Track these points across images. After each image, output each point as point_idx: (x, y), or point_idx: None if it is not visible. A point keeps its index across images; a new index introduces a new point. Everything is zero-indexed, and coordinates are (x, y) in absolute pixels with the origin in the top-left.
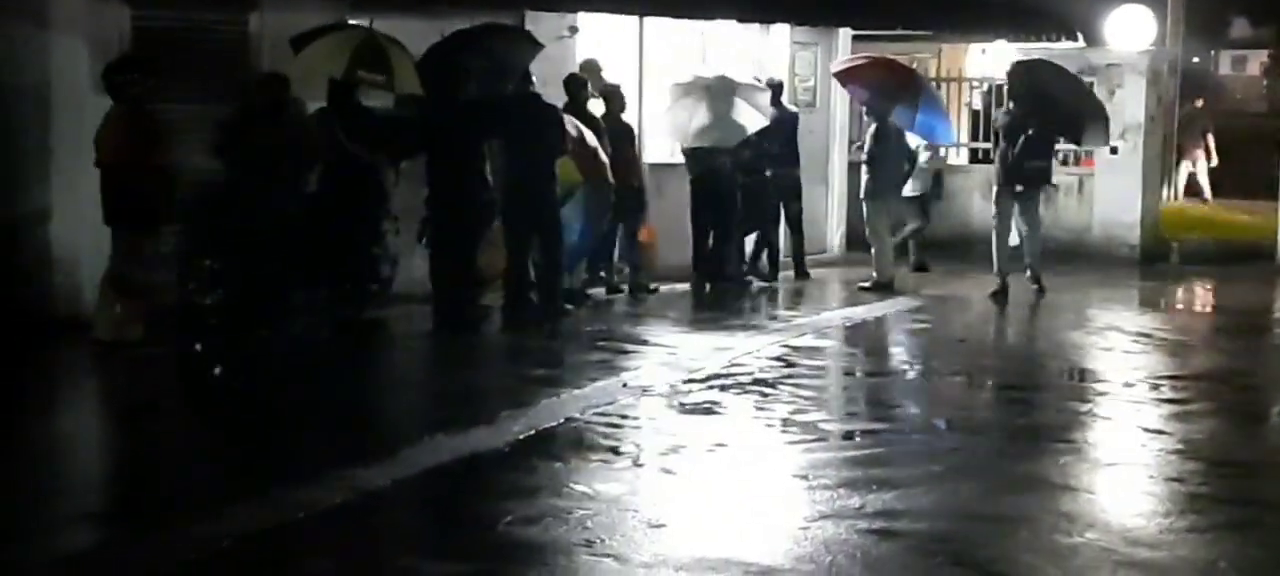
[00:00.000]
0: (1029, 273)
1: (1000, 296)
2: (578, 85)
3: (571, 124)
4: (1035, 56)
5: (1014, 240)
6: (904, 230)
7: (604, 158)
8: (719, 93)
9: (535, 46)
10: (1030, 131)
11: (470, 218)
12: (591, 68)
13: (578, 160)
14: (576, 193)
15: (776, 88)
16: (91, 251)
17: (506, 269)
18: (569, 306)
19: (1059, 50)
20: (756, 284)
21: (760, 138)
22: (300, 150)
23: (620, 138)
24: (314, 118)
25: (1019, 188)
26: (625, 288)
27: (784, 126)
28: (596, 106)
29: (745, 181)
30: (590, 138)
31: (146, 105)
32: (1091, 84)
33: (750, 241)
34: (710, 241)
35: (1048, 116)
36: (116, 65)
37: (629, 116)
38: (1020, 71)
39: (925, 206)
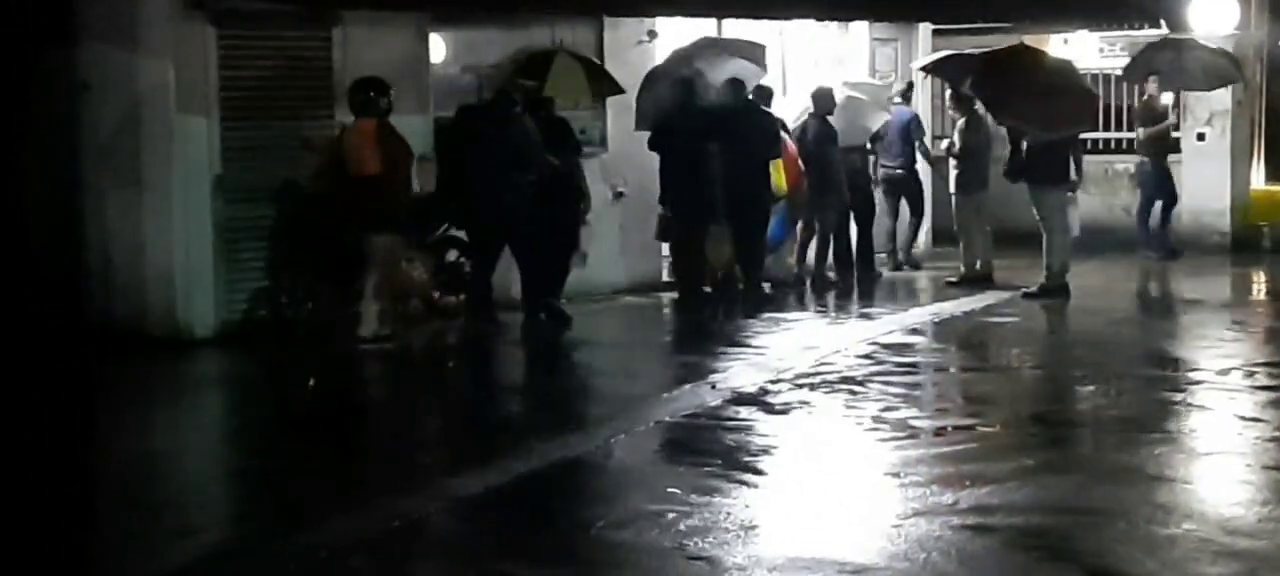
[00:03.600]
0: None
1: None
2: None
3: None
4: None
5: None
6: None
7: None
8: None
9: (761, 65)
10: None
11: (702, 215)
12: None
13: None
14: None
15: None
16: (183, 270)
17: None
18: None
19: (1143, 37)
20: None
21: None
22: (519, 154)
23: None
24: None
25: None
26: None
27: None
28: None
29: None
30: (791, 145)
31: (388, 120)
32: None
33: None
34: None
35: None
36: (361, 84)
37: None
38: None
39: None
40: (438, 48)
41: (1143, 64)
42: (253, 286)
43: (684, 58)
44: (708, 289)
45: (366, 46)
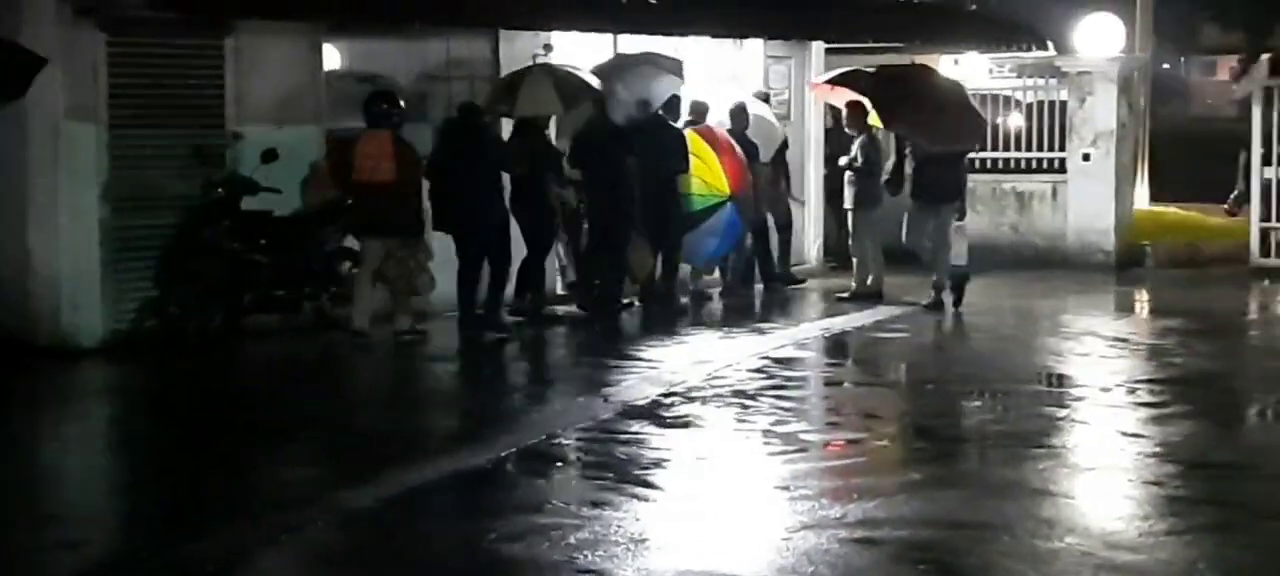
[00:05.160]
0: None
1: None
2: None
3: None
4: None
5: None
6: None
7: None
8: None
9: (677, 77)
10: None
11: (621, 228)
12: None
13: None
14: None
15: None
16: (70, 279)
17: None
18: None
19: (1030, 59)
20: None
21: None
22: (491, 167)
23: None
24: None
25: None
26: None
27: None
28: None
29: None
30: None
31: (400, 131)
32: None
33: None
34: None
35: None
36: (376, 97)
37: None
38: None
39: None
40: (332, 58)
41: None
42: (142, 296)
43: (605, 73)
44: (627, 301)
45: (260, 55)
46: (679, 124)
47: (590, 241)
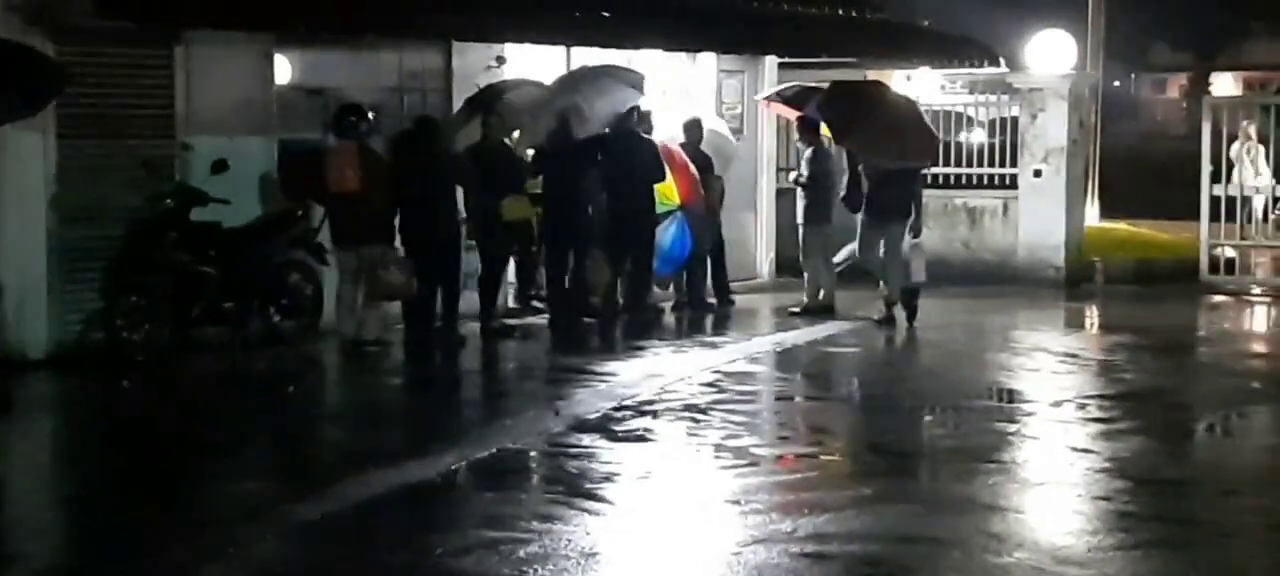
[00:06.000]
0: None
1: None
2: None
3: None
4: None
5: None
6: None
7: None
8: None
9: (636, 88)
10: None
11: (583, 241)
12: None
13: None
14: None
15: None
16: (16, 290)
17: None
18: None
19: (982, 76)
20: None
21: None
22: (445, 182)
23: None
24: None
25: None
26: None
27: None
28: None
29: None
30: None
31: (369, 143)
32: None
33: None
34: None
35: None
36: (345, 110)
37: None
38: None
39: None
40: (283, 69)
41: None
42: (89, 308)
43: (567, 85)
44: (588, 316)
45: (209, 66)
46: (650, 136)
47: (552, 254)
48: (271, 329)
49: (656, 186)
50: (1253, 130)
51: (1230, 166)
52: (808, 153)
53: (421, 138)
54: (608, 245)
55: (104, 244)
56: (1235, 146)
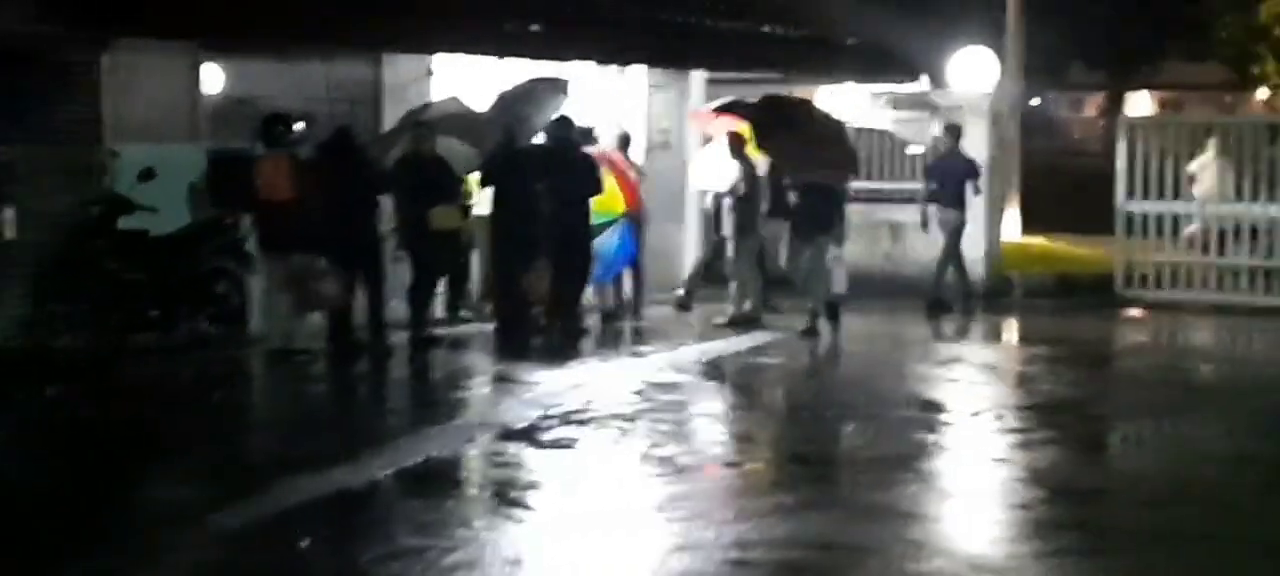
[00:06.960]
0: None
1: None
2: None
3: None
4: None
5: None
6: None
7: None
8: None
9: (562, 95)
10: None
11: (526, 254)
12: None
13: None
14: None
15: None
16: None
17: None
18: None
19: (904, 93)
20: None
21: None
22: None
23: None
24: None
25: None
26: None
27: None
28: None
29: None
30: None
31: (296, 151)
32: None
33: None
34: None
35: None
36: (273, 119)
37: None
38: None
39: None
40: (212, 78)
41: None
42: (15, 315)
43: (507, 103)
44: (531, 326)
45: (138, 74)
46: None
47: (497, 265)
48: (199, 336)
49: (600, 196)
50: (1210, 144)
51: (1191, 179)
52: (736, 166)
53: (338, 148)
54: (549, 255)
55: (30, 250)
56: (1196, 161)
